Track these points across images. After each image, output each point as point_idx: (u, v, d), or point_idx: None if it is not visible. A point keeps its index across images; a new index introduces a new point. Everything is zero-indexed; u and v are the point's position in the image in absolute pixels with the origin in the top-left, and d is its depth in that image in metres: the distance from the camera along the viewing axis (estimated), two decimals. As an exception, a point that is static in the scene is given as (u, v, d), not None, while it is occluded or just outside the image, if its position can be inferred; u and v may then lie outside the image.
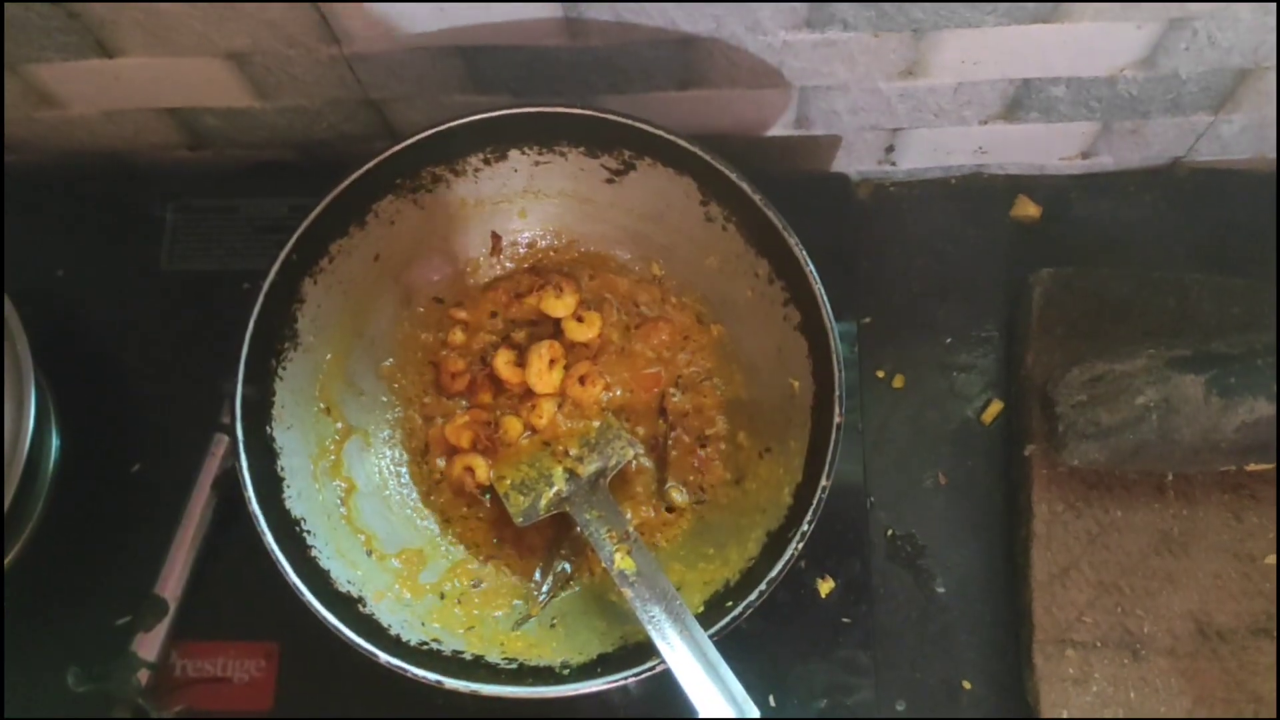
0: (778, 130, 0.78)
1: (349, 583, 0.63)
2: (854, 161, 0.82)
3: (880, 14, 0.64)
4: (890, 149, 0.80)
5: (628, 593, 0.62)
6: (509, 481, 0.69)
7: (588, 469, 0.69)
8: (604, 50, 0.68)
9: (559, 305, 0.72)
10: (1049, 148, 0.80)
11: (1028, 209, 0.82)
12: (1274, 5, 0.63)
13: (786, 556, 0.58)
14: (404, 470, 0.72)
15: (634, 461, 0.71)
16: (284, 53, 0.69)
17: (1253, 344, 0.69)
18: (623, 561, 0.63)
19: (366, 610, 0.62)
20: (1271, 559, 0.71)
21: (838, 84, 0.72)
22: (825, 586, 0.71)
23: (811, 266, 0.61)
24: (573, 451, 0.70)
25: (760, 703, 0.69)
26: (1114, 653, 0.70)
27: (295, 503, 0.64)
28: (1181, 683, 0.69)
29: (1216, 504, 0.72)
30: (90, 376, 0.77)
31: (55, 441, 0.73)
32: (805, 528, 0.59)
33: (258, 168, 0.82)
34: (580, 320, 0.72)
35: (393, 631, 0.62)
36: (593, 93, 0.73)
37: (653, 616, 0.60)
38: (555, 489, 0.68)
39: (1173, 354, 0.70)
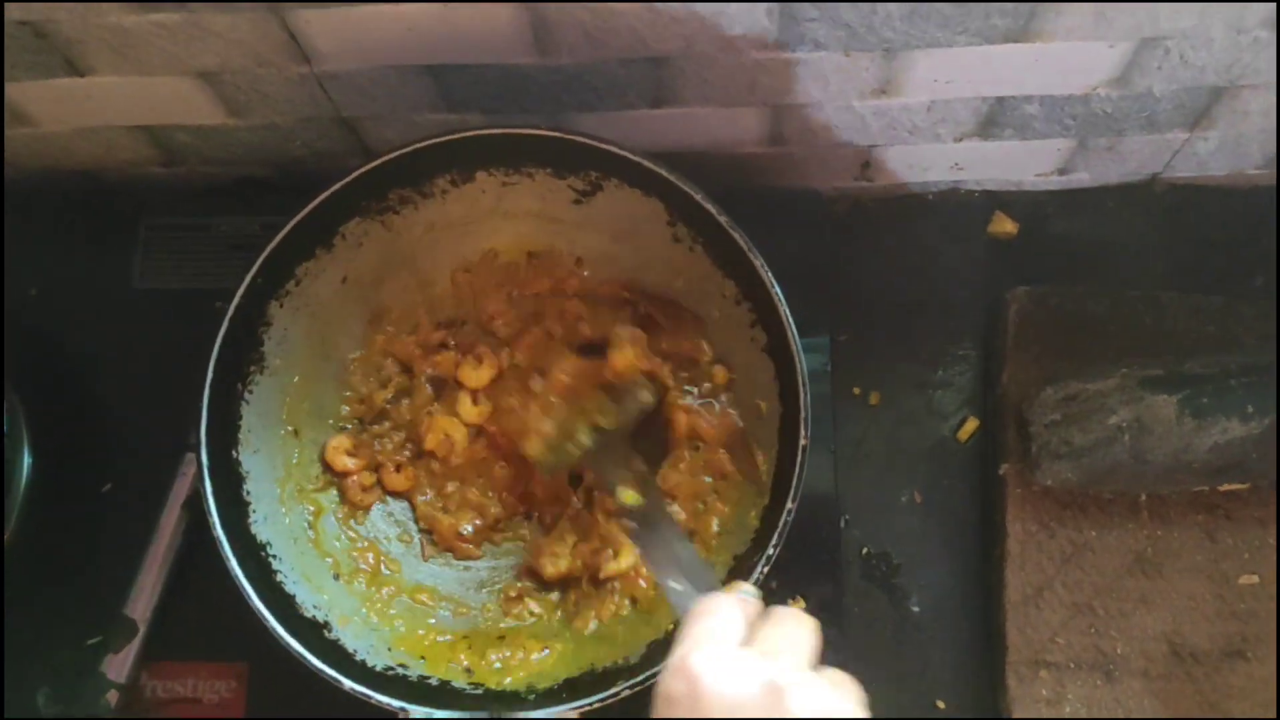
0: (752, 147, 0.77)
1: (315, 607, 0.63)
2: (830, 178, 0.82)
3: (851, 34, 0.64)
4: (866, 165, 0.80)
5: (629, 525, 0.61)
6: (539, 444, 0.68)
7: (610, 421, 0.67)
8: (574, 69, 0.68)
9: (474, 376, 0.72)
10: (1025, 164, 0.80)
11: (1005, 225, 0.82)
12: (1245, 26, 0.63)
13: (752, 580, 0.58)
14: (373, 491, 0.72)
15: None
16: (254, 71, 0.68)
17: (1226, 364, 0.69)
18: (628, 496, 0.63)
19: (332, 635, 0.62)
20: (1245, 579, 0.71)
21: (811, 102, 0.71)
22: (796, 608, 0.70)
23: (778, 289, 0.60)
24: (595, 408, 0.68)
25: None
26: (1087, 674, 0.70)
27: (261, 527, 0.64)
28: (1155, 704, 0.69)
29: (1190, 524, 0.72)
30: (62, 396, 0.77)
31: (26, 460, 0.72)
32: (770, 553, 0.58)
33: (232, 184, 0.82)
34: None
35: (358, 657, 0.62)
36: (564, 111, 0.72)
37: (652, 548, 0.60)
38: (582, 444, 0.67)
39: (1146, 373, 0.70)
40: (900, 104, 0.72)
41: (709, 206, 0.62)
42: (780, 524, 0.59)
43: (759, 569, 0.59)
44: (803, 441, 0.59)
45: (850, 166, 0.80)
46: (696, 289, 0.68)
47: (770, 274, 0.60)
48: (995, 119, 0.73)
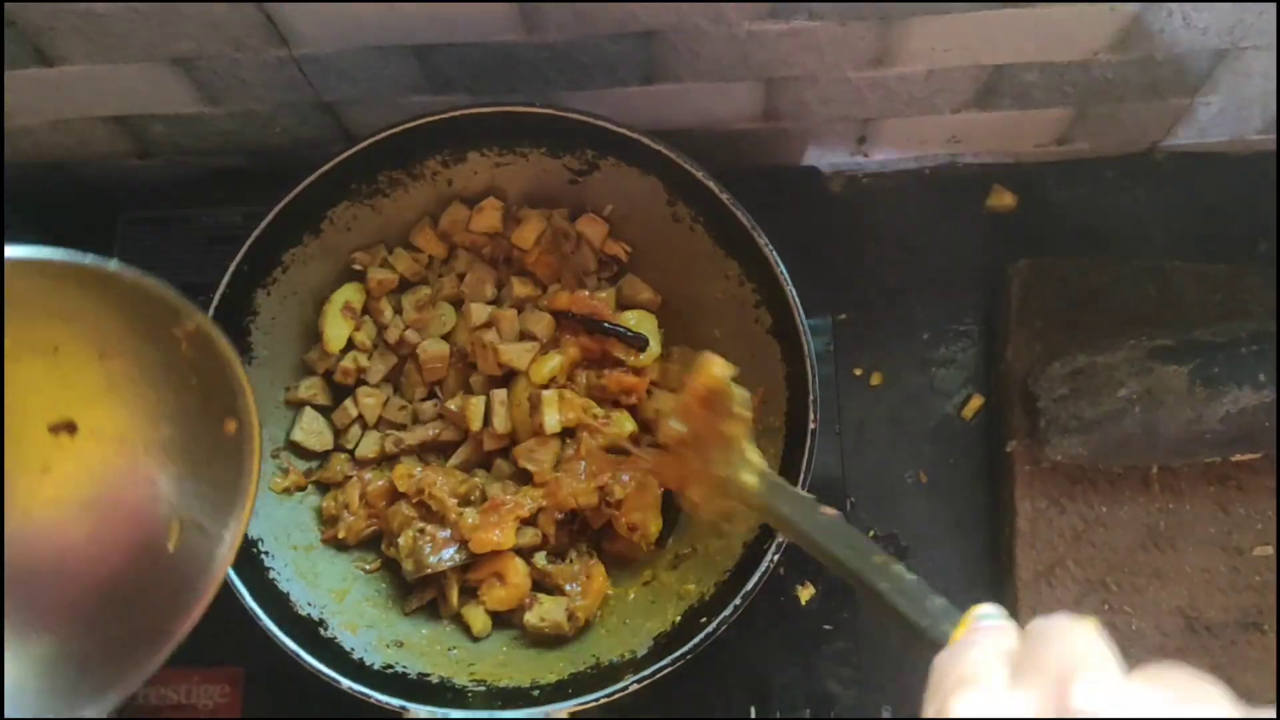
0: (746, 123, 0.76)
1: (310, 605, 0.61)
2: (826, 153, 0.80)
3: (847, 3, 0.62)
4: (862, 140, 0.78)
5: None
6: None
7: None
8: (563, 46, 0.66)
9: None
10: (1023, 135, 0.78)
11: (1003, 198, 0.81)
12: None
13: (762, 569, 0.56)
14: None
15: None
16: (230, 56, 0.66)
17: (1236, 332, 0.68)
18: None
19: (329, 634, 0.60)
20: (1260, 550, 0.70)
21: (806, 75, 0.70)
22: (805, 593, 0.69)
23: (782, 268, 0.59)
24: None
25: (741, 714, 0.68)
26: (1102, 652, 0.68)
27: (252, 523, 0.61)
28: (1171, 680, 0.68)
29: (1203, 496, 0.70)
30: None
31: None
32: (781, 539, 0.57)
33: (211, 175, 0.80)
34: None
35: (355, 655, 0.60)
36: (553, 89, 0.70)
37: None
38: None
39: (1155, 344, 0.68)
40: (897, 74, 0.70)
41: (710, 184, 0.60)
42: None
43: (769, 556, 0.57)
44: (811, 425, 0.57)
45: (846, 141, 0.79)
46: (697, 270, 0.66)
47: (775, 253, 0.58)
48: (994, 88, 0.72)
